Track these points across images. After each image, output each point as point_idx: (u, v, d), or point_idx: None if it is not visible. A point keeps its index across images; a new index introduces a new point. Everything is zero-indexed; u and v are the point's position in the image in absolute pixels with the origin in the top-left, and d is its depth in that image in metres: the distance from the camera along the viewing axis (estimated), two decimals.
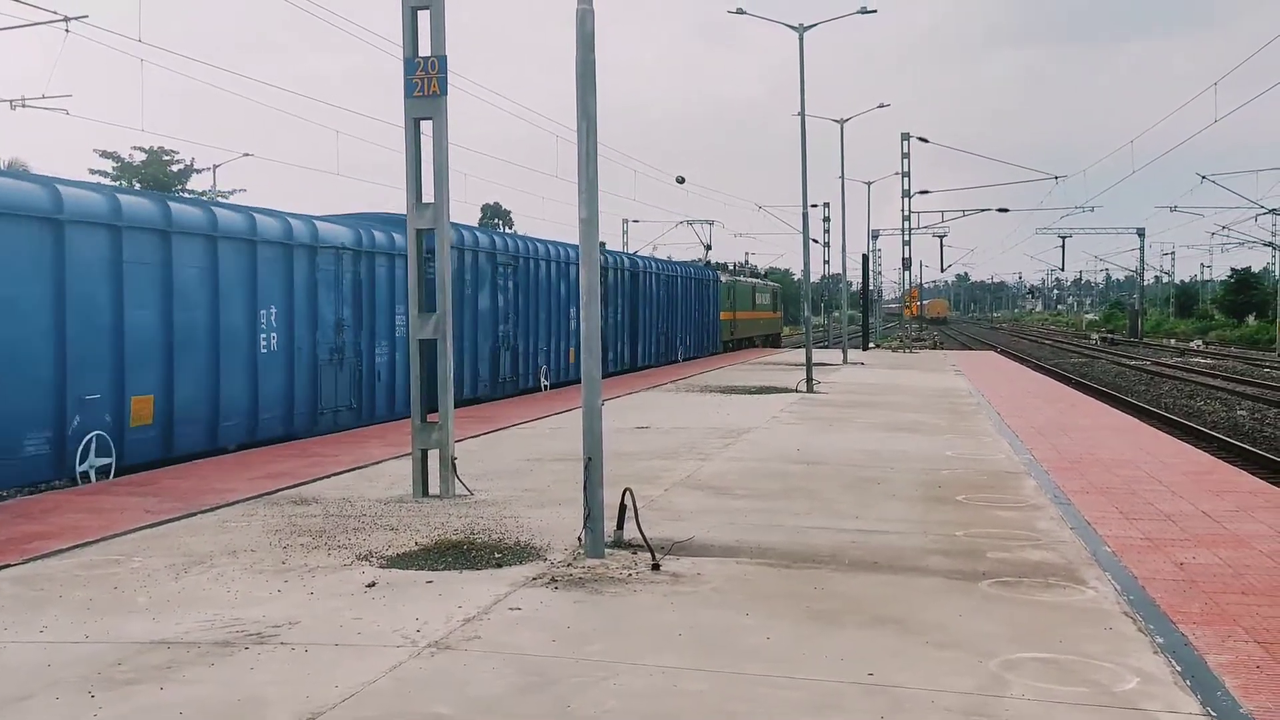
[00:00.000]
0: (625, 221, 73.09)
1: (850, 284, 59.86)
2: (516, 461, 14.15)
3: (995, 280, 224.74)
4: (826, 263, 55.80)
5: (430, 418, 12.18)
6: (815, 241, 64.99)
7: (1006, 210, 60.22)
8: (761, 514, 10.59)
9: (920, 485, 12.31)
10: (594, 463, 9.01)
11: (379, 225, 19.85)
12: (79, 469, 12.92)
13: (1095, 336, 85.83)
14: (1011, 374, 35.05)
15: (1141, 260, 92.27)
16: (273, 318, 16.54)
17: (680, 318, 40.08)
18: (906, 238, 55.14)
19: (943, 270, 69.51)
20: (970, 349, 65.26)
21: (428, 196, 11.99)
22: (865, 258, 58.27)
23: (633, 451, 14.95)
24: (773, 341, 60.17)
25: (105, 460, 13.31)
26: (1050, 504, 11.20)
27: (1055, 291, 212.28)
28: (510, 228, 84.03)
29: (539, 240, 27.20)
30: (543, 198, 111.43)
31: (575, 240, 9.42)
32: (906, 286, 61.57)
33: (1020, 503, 11.27)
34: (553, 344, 26.94)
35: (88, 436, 13.07)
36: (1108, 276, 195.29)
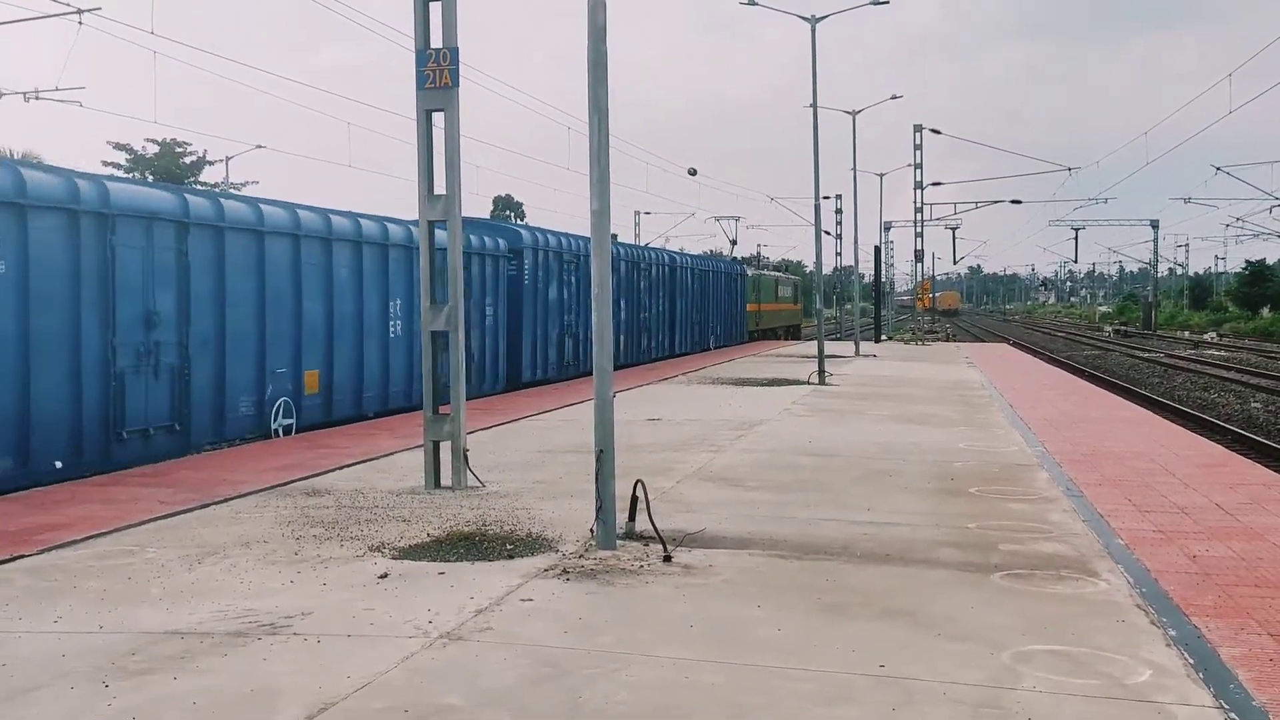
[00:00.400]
0: (637, 213, 73.04)
1: (862, 276, 59.76)
2: (529, 453, 14.17)
3: (1008, 272, 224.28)
4: (839, 255, 55.65)
5: (442, 409, 12.22)
6: (827, 234, 64.53)
7: (1019, 202, 60.12)
8: (773, 506, 10.60)
9: (932, 477, 12.30)
10: (606, 454, 8.99)
11: (471, 229, 22.68)
12: (272, 426, 16.36)
13: (1109, 329, 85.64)
14: (1024, 366, 34.98)
15: (1155, 252, 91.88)
16: (398, 308, 19.57)
17: (712, 309, 42.99)
18: (919, 230, 54.84)
19: (955, 262, 69.38)
20: (983, 341, 65.17)
21: (440, 188, 12.02)
22: (877, 250, 58.19)
23: (645, 443, 14.95)
24: (793, 333, 61.95)
25: (289, 421, 16.69)
26: (1063, 496, 11.18)
27: (1068, 284, 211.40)
28: (522, 219, 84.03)
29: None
30: (555, 189, 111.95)
31: (590, 233, 9.41)
32: (919, 278, 61.36)
33: (1033, 495, 11.26)
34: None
35: (278, 401, 16.55)
36: (1121, 269, 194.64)
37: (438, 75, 11.77)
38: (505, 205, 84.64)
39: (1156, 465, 13.47)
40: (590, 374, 27.60)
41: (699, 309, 41.10)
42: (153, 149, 52.54)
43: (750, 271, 52.80)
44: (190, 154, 53.40)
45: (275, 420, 16.38)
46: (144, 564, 8.29)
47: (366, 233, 18.82)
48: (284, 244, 16.76)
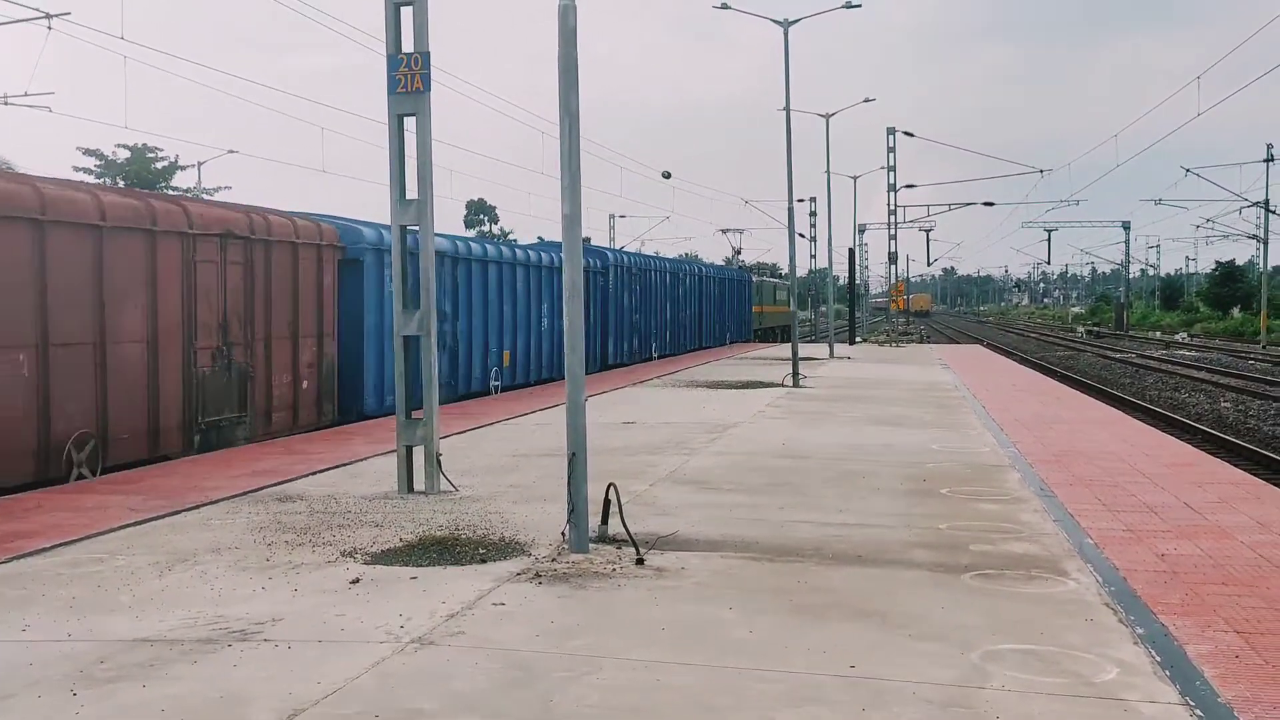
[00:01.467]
0: (612, 217, 73.21)
1: (837, 278, 60.13)
2: (502, 457, 14.15)
3: (981, 274, 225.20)
4: (813, 257, 55.89)
5: (415, 414, 12.24)
6: (801, 236, 65.20)
7: (992, 204, 60.42)
8: (746, 508, 10.63)
9: (904, 479, 12.36)
10: (578, 458, 8.99)
11: (556, 249, 30.29)
12: (491, 384, 24.75)
13: (1081, 330, 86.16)
14: (997, 368, 35.16)
15: (1127, 253, 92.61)
16: (543, 311, 27.89)
17: (728, 311, 51.70)
18: (892, 232, 55.20)
19: (929, 264, 69.75)
20: (957, 343, 65.44)
21: (412, 193, 12.00)
22: (851, 252, 58.38)
23: (618, 447, 14.96)
24: (788, 332, 65.48)
25: (498, 383, 25.07)
26: (1034, 497, 11.26)
27: (1041, 285, 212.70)
28: (496, 224, 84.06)
29: (651, 256, 43.06)
30: (529, 193, 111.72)
31: (561, 237, 9.42)
32: (893, 280, 61.70)
33: (1004, 496, 11.34)
34: (660, 329, 40.28)
35: (492, 369, 25.04)
36: (1093, 270, 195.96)
37: (409, 80, 11.75)
38: (479, 210, 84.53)
39: (1126, 465, 13.57)
40: (646, 359, 36.92)
41: (719, 310, 49.63)
42: (124, 154, 52.26)
43: (755, 278, 61.54)
44: (162, 159, 53.12)
45: (492, 381, 25.03)
46: (113, 572, 8.23)
47: (527, 258, 27.24)
48: (492, 269, 25.20)
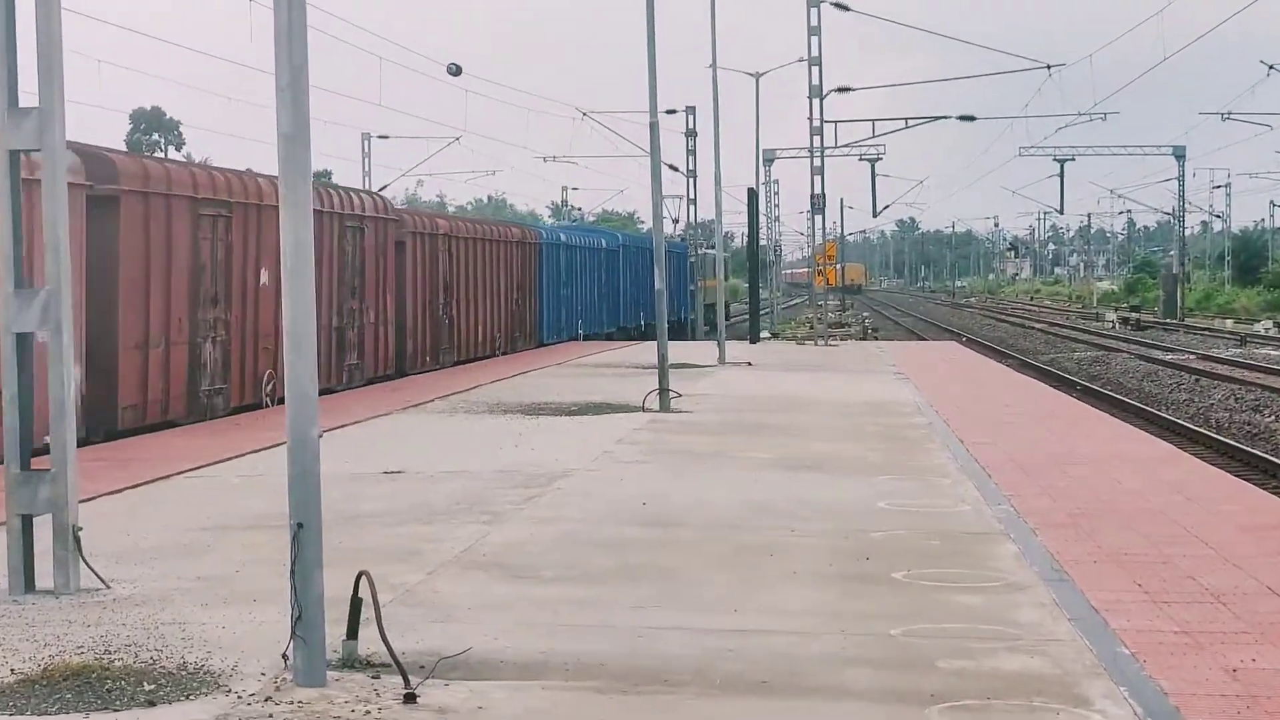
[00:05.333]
0: (366, 138, 72.79)
1: (731, 237, 60.51)
2: (187, 529, 13.95)
3: (958, 228, 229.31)
4: (692, 203, 56.38)
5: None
6: (673, 169, 65.77)
7: (973, 119, 61.40)
8: (584, 607, 10.64)
9: (836, 556, 12.44)
10: (308, 531, 8.88)
11: (606, 232, 76.43)
12: (578, 330, 58.29)
13: (1112, 317, 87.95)
14: (982, 376, 35.70)
15: (1181, 196, 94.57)
16: (603, 283, 63.75)
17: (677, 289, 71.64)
18: (817, 161, 55.45)
19: (875, 213, 70.75)
20: (922, 338, 66.54)
21: (34, 99, 11.74)
22: (753, 195, 58.62)
23: (377, 511, 14.86)
24: (713, 311, 75.95)
25: (583, 331, 58.45)
26: (1038, 581, 11.41)
27: (1050, 247, 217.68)
28: (181, 149, 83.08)
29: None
30: (229, 98, 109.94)
31: (278, 168, 9.26)
32: (816, 239, 61.85)
33: (992, 580, 11.48)
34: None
35: (576, 323, 59.12)
36: (1130, 223, 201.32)
37: None
38: (151, 125, 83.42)
39: (1181, 529, 13.77)
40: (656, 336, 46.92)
41: (628, 290, 70.30)
42: None
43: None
44: None
45: (579, 330, 56.61)
46: None
47: (594, 243, 62.34)
48: (567, 252, 57.11)
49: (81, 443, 15.97)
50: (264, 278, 28.12)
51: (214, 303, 26.62)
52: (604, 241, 65.76)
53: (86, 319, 21.68)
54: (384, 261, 35.67)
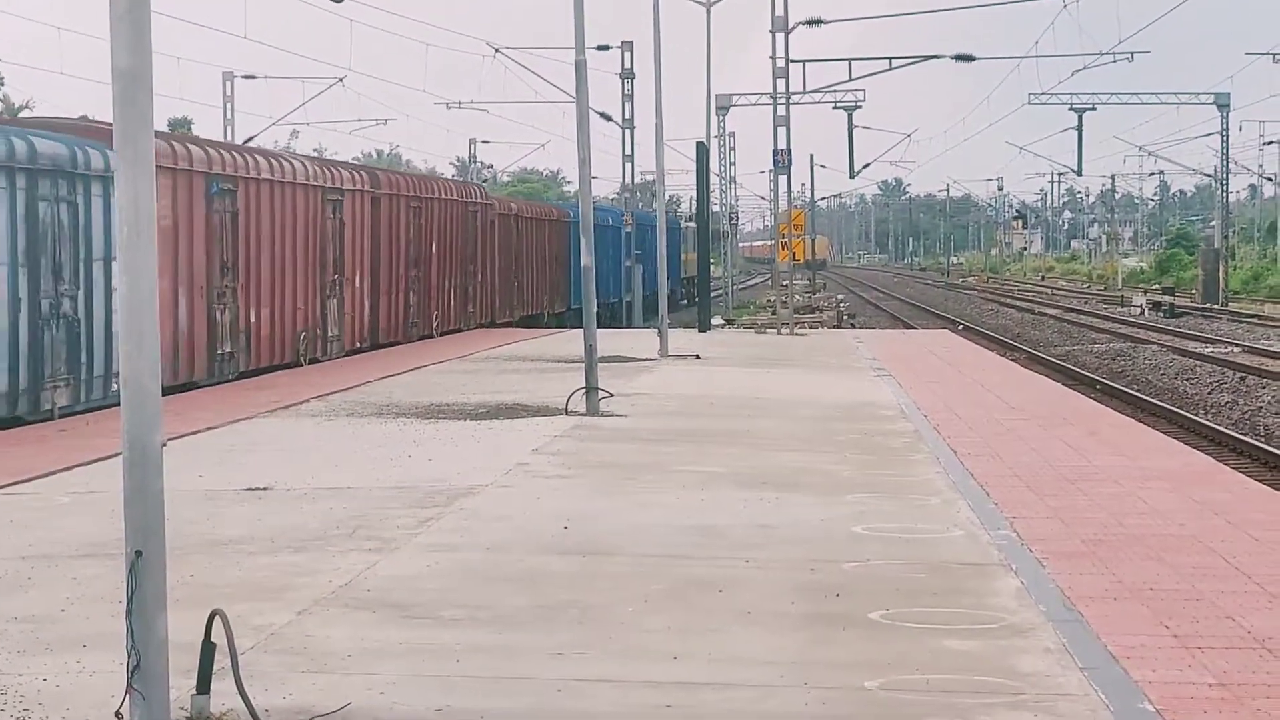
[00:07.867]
0: (229, 79, 72.48)
1: (676, 201, 60.42)
2: (1, 559, 13.82)
3: (953, 192, 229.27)
4: (629, 159, 56.35)
5: None
6: (605, 118, 65.63)
7: (971, 59, 61.59)
8: (491, 655, 10.56)
9: (800, 592, 12.33)
10: (149, 560, 8.71)
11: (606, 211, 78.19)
12: (610, 300, 72.25)
13: (1141, 301, 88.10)
14: (981, 373, 35.82)
15: (1224, 155, 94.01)
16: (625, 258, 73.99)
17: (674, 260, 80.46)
18: (781, 109, 55.38)
19: (852, 174, 70.89)
20: (909, 325, 66.98)
21: None
22: (703, 150, 58.33)
23: (238, 536, 14.64)
24: (691, 285, 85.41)
25: (615, 299, 74.62)
26: (1044, 623, 11.35)
27: (1065, 215, 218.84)
28: None
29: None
30: (59, 29, 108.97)
31: (113, 114, 9.16)
32: (779, 205, 61.66)
33: (989, 621, 11.44)
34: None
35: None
36: (1162, 187, 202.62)
37: None
38: None
39: (1218, 559, 13.71)
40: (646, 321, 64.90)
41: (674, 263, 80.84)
42: None
43: (683, 225, 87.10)
44: None
45: (615, 296, 71.82)
46: None
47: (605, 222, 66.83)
48: (611, 232, 70.20)
49: None
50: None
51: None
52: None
53: None
54: (487, 236, 56.35)
